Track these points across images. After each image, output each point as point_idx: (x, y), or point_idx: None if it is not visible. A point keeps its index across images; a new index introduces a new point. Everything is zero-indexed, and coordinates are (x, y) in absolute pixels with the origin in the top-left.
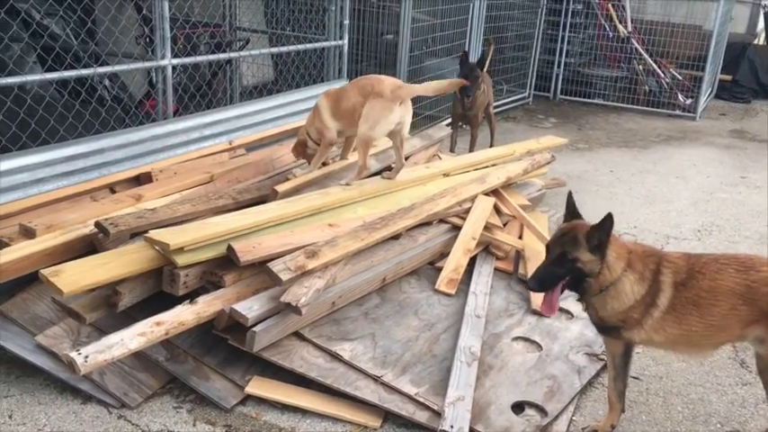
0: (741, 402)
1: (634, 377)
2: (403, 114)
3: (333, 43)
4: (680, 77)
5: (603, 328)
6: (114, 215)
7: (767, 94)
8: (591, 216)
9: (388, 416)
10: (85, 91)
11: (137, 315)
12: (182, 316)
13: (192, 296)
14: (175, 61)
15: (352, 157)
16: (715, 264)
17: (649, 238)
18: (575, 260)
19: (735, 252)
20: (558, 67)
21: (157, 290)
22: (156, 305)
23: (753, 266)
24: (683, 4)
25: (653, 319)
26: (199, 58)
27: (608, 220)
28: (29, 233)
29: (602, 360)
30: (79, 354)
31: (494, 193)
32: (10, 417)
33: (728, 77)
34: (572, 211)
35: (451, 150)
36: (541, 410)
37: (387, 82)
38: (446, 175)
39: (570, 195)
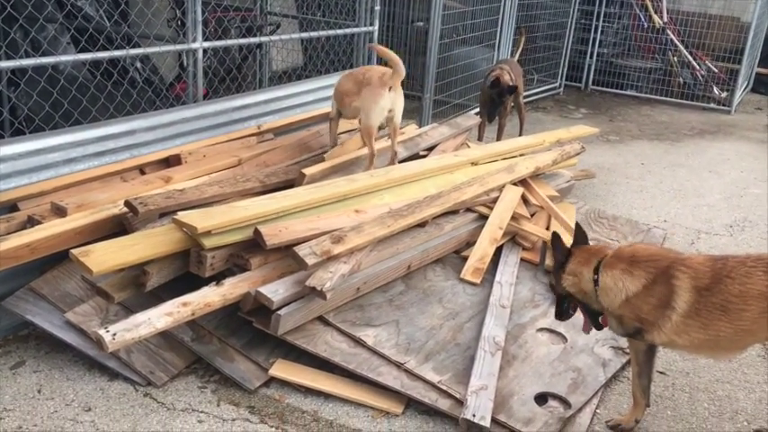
0: None
1: (660, 372)
2: (394, 100)
3: (363, 29)
4: (715, 70)
5: (626, 332)
6: (143, 195)
7: None
8: (621, 209)
9: (410, 402)
10: (117, 72)
11: (164, 295)
12: (208, 297)
13: (218, 278)
14: (206, 45)
15: (383, 142)
16: (743, 267)
17: (680, 233)
18: (556, 286)
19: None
20: (591, 57)
21: (184, 271)
22: (183, 286)
23: None
24: None
25: (672, 322)
26: (229, 42)
27: (554, 239)
28: (60, 212)
29: (628, 354)
30: (107, 331)
31: (522, 182)
32: (39, 391)
33: (766, 71)
34: (577, 238)
35: (479, 139)
36: (565, 402)
37: (374, 70)
38: (474, 163)
39: (577, 226)
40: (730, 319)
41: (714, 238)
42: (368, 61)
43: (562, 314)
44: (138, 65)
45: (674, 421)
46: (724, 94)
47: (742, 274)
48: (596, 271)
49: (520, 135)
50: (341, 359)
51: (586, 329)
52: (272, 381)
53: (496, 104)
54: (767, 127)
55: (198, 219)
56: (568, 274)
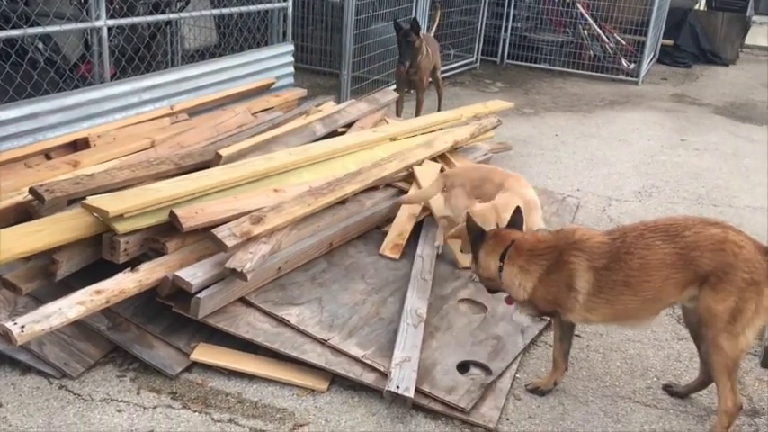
0: (677, 356)
1: (576, 335)
2: None
3: (276, 5)
4: (623, 42)
5: (542, 312)
6: (50, 181)
7: (707, 59)
8: (537, 179)
9: (335, 378)
10: (16, 53)
11: (76, 284)
12: (123, 284)
13: (133, 264)
14: (111, 22)
15: (301, 120)
16: (641, 240)
17: (592, 201)
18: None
19: (667, 215)
20: (505, 31)
21: (97, 258)
22: (96, 273)
23: (677, 233)
24: None
25: (579, 303)
26: (136, 20)
27: (469, 223)
28: None
29: (545, 320)
30: (15, 324)
31: (441, 157)
32: None
33: (670, 42)
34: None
35: (397, 115)
36: (486, 369)
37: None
38: (393, 139)
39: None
40: (634, 291)
41: (624, 205)
42: (283, 37)
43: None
44: (40, 45)
45: (588, 381)
46: (632, 66)
47: (641, 247)
48: (502, 259)
49: (438, 110)
50: (264, 339)
51: (510, 302)
52: (194, 365)
53: (407, 49)
54: (672, 96)
55: (109, 202)
56: (479, 262)
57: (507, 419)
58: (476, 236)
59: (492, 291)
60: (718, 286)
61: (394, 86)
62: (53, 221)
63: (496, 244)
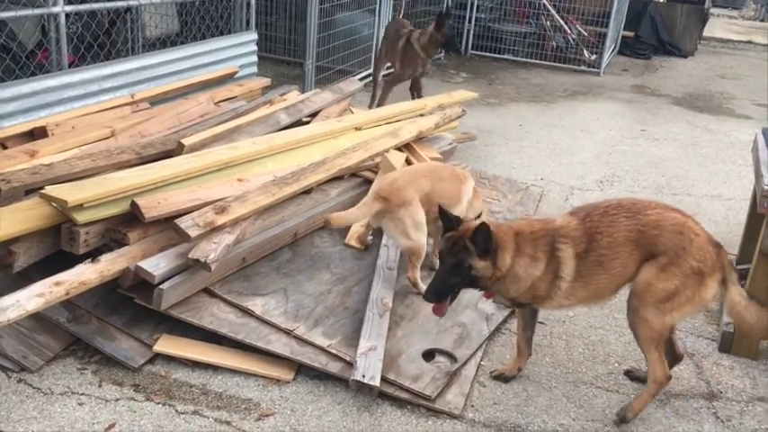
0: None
1: (540, 322)
2: None
3: None
4: (585, 33)
5: (516, 304)
6: (6, 171)
7: (666, 51)
8: (502, 169)
9: (300, 368)
10: None
11: (35, 276)
12: (83, 275)
13: (94, 254)
14: (69, 8)
15: (265, 109)
16: (607, 217)
17: (555, 190)
18: (469, 268)
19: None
20: (469, 22)
21: (56, 249)
22: (56, 265)
23: (639, 211)
24: None
25: (561, 290)
26: (95, 6)
27: (484, 227)
28: None
29: (510, 307)
30: None
31: (406, 146)
32: None
33: (631, 34)
34: (448, 219)
35: (381, 101)
36: (451, 357)
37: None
38: (358, 129)
39: (441, 207)
40: (606, 269)
41: (586, 194)
42: (246, 25)
43: (446, 295)
44: None
45: (552, 367)
46: (593, 57)
47: (607, 224)
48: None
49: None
50: (228, 330)
51: (443, 313)
52: (157, 357)
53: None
54: (632, 87)
55: (68, 192)
56: (499, 263)
57: (472, 406)
58: (486, 236)
59: (448, 291)
60: (666, 267)
61: (360, 76)
62: (10, 212)
63: (511, 239)
